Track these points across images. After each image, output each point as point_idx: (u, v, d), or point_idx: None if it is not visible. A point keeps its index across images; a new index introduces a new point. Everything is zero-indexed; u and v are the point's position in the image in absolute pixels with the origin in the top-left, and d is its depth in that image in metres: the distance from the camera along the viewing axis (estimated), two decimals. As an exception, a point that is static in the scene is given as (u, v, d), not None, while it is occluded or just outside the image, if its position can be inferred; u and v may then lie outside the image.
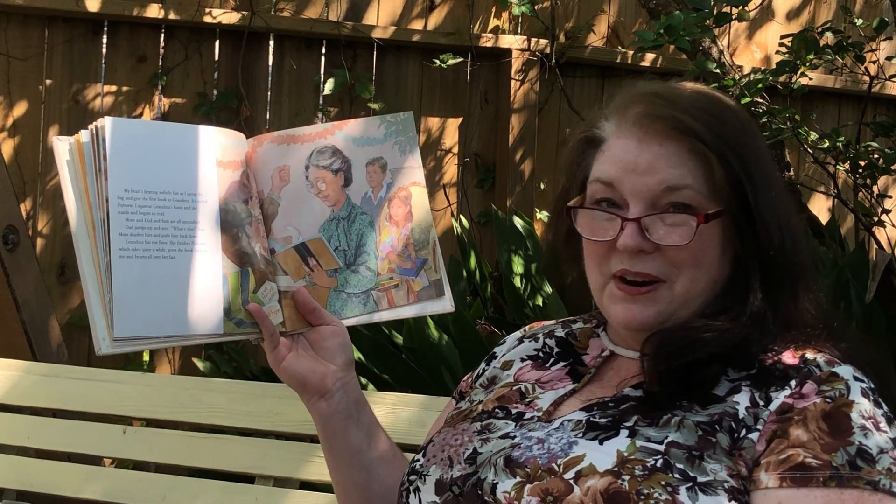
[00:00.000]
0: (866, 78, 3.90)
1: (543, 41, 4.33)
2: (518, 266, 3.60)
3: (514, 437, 1.25)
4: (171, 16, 3.93)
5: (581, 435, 1.21)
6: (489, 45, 4.30)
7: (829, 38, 3.53)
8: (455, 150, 4.35)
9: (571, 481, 1.14)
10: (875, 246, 3.90)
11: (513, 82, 4.31)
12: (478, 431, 1.29)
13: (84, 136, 1.33)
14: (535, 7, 4.23)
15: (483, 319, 3.20)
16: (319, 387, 1.37)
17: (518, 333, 1.50)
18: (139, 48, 4.00)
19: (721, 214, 1.23)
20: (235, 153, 1.40)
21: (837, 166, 3.73)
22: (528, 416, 1.30)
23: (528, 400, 1.34)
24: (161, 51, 4.04)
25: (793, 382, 1.18)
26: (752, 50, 4.67)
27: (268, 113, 4.17)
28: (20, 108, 3.88)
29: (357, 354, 2.89)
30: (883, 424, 1.15)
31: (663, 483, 1.11)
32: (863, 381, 1.18)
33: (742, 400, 1.18)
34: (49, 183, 3.93)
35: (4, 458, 2.32)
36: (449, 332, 3.06)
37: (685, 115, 1.24)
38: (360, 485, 1.40)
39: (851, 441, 1.12)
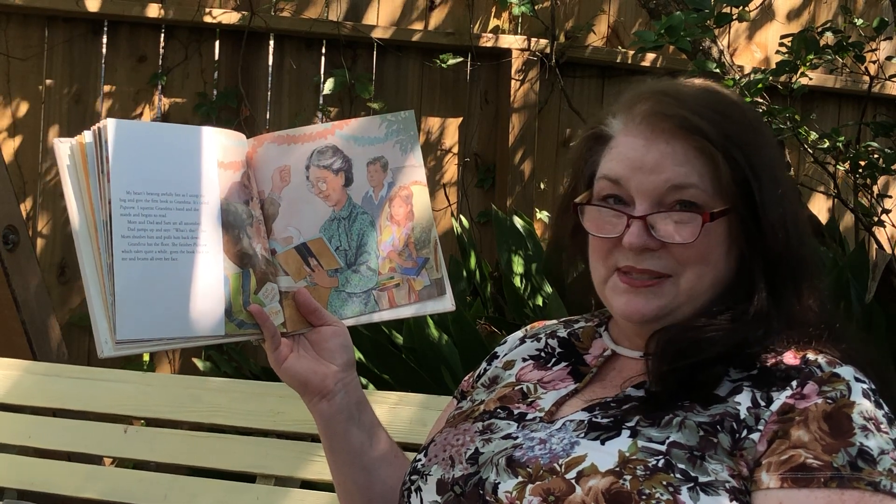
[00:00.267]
0: (866, 78, 3.90)
1: (543, 41, 4.33)
2: (518, 266, 3.60)
3: (517, 437, 1.25)
4: (171, 16, 3.94)
5: (583, 435, 1.21)
6: (489, 45, 4.30)
7: (829, 38, 3.53)
8: (455, 149, 4.35)
9: (573, 481, 1.14)
10: (875, 246, 3.90)
11: (513, 82, 4.31)
12: (479, 431, 1.29)
13: (86, 137, 1.32)
14: (535, 7, 4.23)
15: (483, 319, 3.21)
16: (321, 387, 1.37)
17: (519, 333, 1.50)
18: (139, 48, 4.00)
19: (727, 213, 1.23)
20: (236, 154, 1.40)
21: (837, 166, 3.73)
22: (530, 416, 1.30)
23: (529, 400, 1.34)
24: (161, 51, 4.04)
25: (794, 383, 1.18)
26: (753, 50, 4.68)
27: (268, 113, 4.17)
28: (20, 108, 3.88)
29: (357, 354, 2.89)
30: (884, 425, 1.15)
31: (665, 483, 1.11)
32: (864, 381, 1.18)
33: (743, 400, 1.18)
34: (49, 183, 3.93)
35: (5, 457, 2.32)
36: (449, 332, 3.06)
37: (692, 113, 1.24)
38: (362, 485, 1.40)
39: (852, 442, 1.12)
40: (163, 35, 4.03)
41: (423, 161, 1.50)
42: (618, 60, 4.44)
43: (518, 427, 1.28)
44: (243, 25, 4.00)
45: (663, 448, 1.15)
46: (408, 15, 4.27)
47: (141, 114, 4.00)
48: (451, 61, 4.19)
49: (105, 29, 3.97)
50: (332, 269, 1.43)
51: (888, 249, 3.82)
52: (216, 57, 4.10)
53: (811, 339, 1.23)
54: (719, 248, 1.24)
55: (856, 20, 3.83)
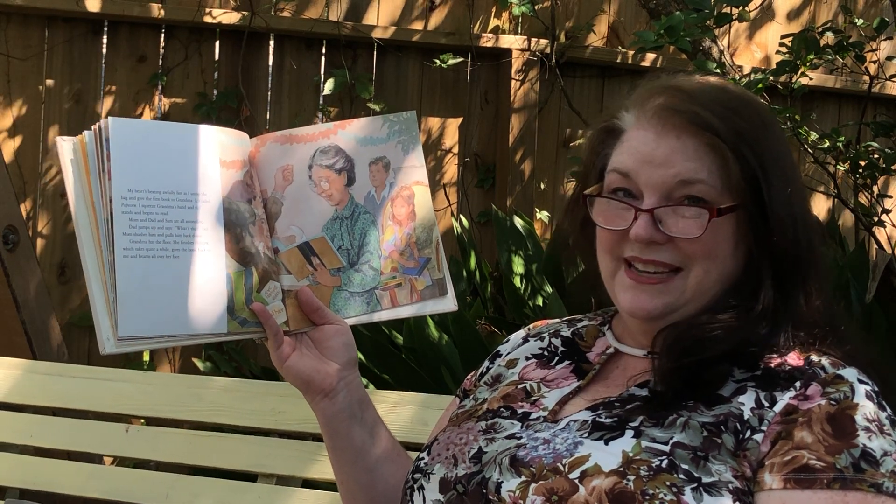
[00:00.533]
0: (866, 78, 3.91)
1: (543, 41, 4.33)
2: (518, 266, 3.60)
3: (520, 437, 1.25)
4: (171, 16, 3.93)
5: (586, 435, 1.21)
6: (489, 45, 4.30)
7: (829, 38, 3.53)
8: (455, 150, 4.35)
9: (576, 481, 1.14)
10: (875, 246, 3.90)
11: (513, 82, 4.31)
12: (483, 431, 1.29)
13: (87, 136, 1.32)
14: (535, 7, 4.23)
15: (483, 319, 3.21)
16: (323, 386, 1.37)
17: (522, 332, 1.50)
18: (139, 48, 4.00)
19: (734, 209, 1.23)
20: (238, 153, 1.41)
21: (837, 166, 3.73)
22: (533, 415, 1.30)
23: (533, 399, 1.34)
24: (161, 51, 4.04)
25: (798, 384, 1.18)
26: (753, 50, 4.68)
27: (268, 113, 4.17)
28: (20, 108, 3.88)
29: (357, 354, 2.89)
30: (887, 427, 1.15)
31: (668, 483, 1.12)
32: (867, 383, 1.19)
33: (747, 401, 1.18)
34: (49, 183, 3.93)
35: (6, 456, 2.32)
36: (449, 332, 3.06)
37: (704, 109, 1.24)
38: (364, 483, 1.40)
39: (855, 443, 1.12)
40: (163, 35, 4.03)
41: (424, 161, 1.50)
42: (618, 60, 4.44)
43: (522, 427, 1.28)
44: (243, 25, 4.00)
45: (667, 448, 1.15)
46: (408, 15, 4.27)
47: (141, 114, 4.00)
48: (451, 61, 4.19)
49: (105, 29, 3.97)
50: (335, 268, 1.43)
51: (888, 249, 3.82)
52: (216, 57, 4.10)
53: (815, 341, 1.23)
54: (726, 244, 1.24)
55: (856, 20, 3.84)
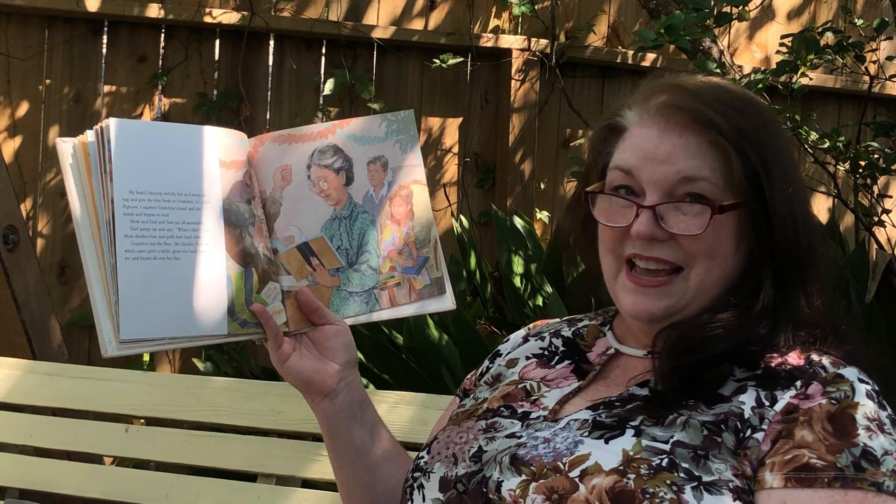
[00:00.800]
0: (866, 78, 3.90)
1: (543, 41, 4.33)
2: (518, 266, 3.60)
3: (521, 436, 1.25)
4: (171, 16, 3.94)
5: (587, 434, 1.21)
6: (489, 45, 4.30)
7: (829, 38, 3.53)
8: (455, 149, 4.35)
9: (577, 479, 1.14)
10: (875, 246, 3.90)
11: (513, 82, 4.31)
12: (483, 430, 1.29)
13: (89, 136, 1.32)
14: (535, 7, 4.23)
15: (483, 319, 3.21)
16: (323, 386, 1.37)
17: (522, 332, 1.50)
18: (139, 48, 4.00)
19: (736, 207, 1.23)
20: (238, 153, 1.41)
21: (837, 166, 3.73)
22: (534, 415, 1.30)
23: (533, 398, 1.34)
24: (161, 51, 4.04)
25: (798, 383, 1.18)
26: (753, 50, 4.68)
27: (268, 113, 4.17)
28: (20, 108, 3.88)
29: (357, 354, 2.89)
30: (887, 426, 1.15)
31: (668, 482, 1.11)
32: (868, 383, 1.19)
33: (748, 400, 1.18)
34: (49, 183, 3.93)
35: (6, 456, 2.32)
36: (449, 332, 3.06)
37: (707, 107, 1.24)
38: (365, 483, 1.40)
39: (856, 442, 1.12)
40: (163, 35, 4.03)
41: (423, 161, 1.50)
42: (618, 60, 4.44)
43: (522, 426, 1.28)
44: (243, 25, 4.01)
45: (667, 447, 1.15)
46: (408, 15, 4.27)
47: (141, 114, 4.00)
48: (452, 61, 4.19)
49: (105, 29, 3.97)
50: (334, 268, 1.43)
51: (888, 249, 3.82)
52: (216, 57, 4.10)
53: (816, 340, 1.23)
54: (728, 242, 1.24)
55: (856, 20, 3.84)
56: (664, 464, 1.13)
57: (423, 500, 1.26)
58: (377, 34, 4.17)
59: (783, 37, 3.51)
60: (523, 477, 1.18)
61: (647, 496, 1.10)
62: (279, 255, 1.41)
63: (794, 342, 1.23)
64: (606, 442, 1.18)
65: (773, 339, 1.23)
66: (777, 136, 1.29)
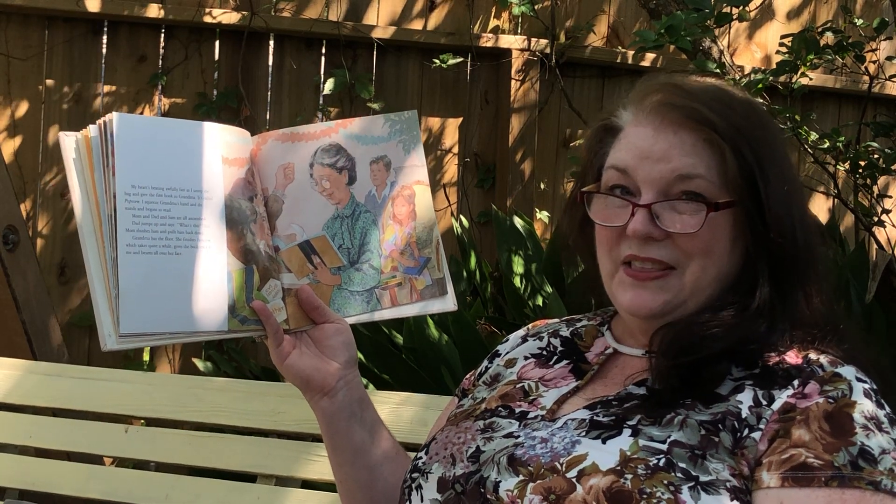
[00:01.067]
0: (866, 78, 3.90)
1: (543, 41, 4.33)
2: (518, 266, 3.60)
3: (518, 436, 1.25)
4: (171, 16, 3.94)
5: (584, 434, 1.21)
6: (489, 45, 4.30)
7: (829, 38, 3.53)
8: (455, 150, 4.35)
9: (574, 480, 1.14)
10: (875, 246, 3.90)
11: (513, 82, 4.31)
12: (481, 430, 1.29)
13: (92, 130, 1.32)
14: (535, 7, 4.23)
15: (483, 319, 3.20)
16: (323, 385, 1.37)
17: (521, 332, 1.50)
18: (139, 48, 4.00)
19: (732, 205, 1.23)
20: (241, 150, 1.41)
21: (837, 166, 3.73)
22: (531, 414, 1.30)
23: (531, 398, 1.34)
24: (161, 51, 4.04)
25: (795, 382, 1.18)
26: (753, 50, 4.68)
27: (268, 113, 4.17)
28: (20, 108, 3.88)
29: (357, 354, 2.89)
30: (885, 425, 1.15)
31: (666, 482, 1.11)
32: (865, 381, 1.19)
33: (745, 399, 1.18)
34: (49, 183, 3.92)
35: (6, 457, 2.32)
36: (449, 332, 3.06)
37: (702, 105, 1.24)
38: (364, 483, 1.40)
39: (853, 441, 1.12)
40: (163, 35, 4.03)
41: (425, 161, 1.50)
42: (618, 60, 4.44)
43: (520, 426, 1.28)
44: (243, 25, 4.00)
45: (664, 447, 1.15)
46: (408, 15, 4.27)
47: (141, 114, 4.00)
48: (452, 61, 4.19)
49: (105, 29, 3.97)
50: (335, 266, 1.43)
51: (888, 249, 3.82)
52: (216, 57, 4.10)
53: (814, 339, 1.23)
54: (723, 241, 1.25)
55: (856, 20, 3.84)
56: (661, 464, 1.13)
57: (422, 501, 1.26)
58: (377, 34, 4.17)
59: (783, 37, 3.51)
60: (521, 477, 1.18)
61: (645, 496, 1.10)
62: (280, 253, 1.41)
63: (793, 341, 1.23)
64: (604, 442, 1.18)
65: (770, 337, 1.22)
66: (772, 135, 1.29)
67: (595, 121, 1.37)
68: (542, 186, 4.40)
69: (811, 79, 3.95)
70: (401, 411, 2.05)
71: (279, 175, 1.42)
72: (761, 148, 1.25)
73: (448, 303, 1.49)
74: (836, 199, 4.18)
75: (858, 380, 1.18)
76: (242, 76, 4.08)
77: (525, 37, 4.33)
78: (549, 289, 3.36)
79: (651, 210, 1.24)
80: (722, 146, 1.23)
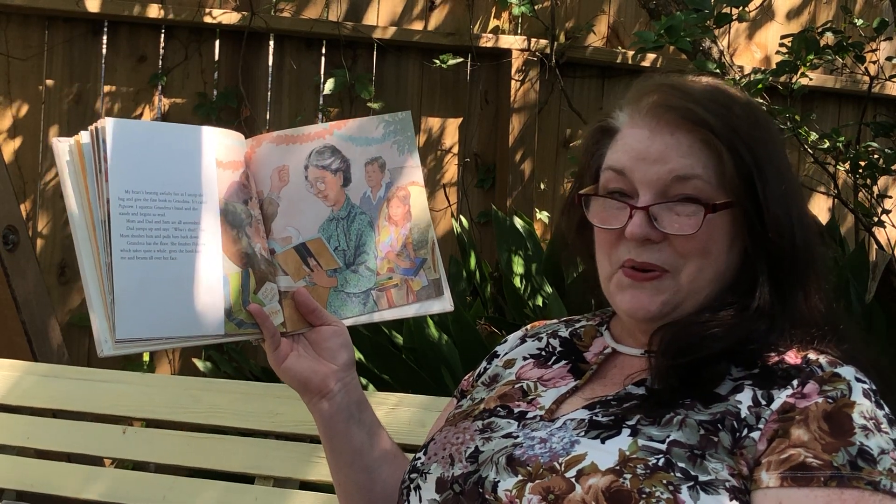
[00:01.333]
0: (866, 78, 3.90)
1: (543, 41, 4.33)
2: (518, 266, 3.60)
3: (517, 436, 1.25)
4: (171, 16, 3.94)
5: (583, 434, 1.21)
6: (489, 45, 4.30)
7: (829, 38, 3.53)
8: (455, 150, 4.35)
9: (573, 480, 1.14)
10: (875, 246, 3.90)
11: (513, 82, 4.31)
12: (479, 430, 1.29)
13: (84, 136, 1.32)
14: (535, 7, 4.23)
15: (483, 319, 3.20)
16: (321, 387, 1.37)
17: (520, 333, 1.50)
18: (139, 48, 4.00)
19: (730, 206, 1.23)
20: (235, 153, 1.40)
21: (837, 166, 3.73)
22: (530, 414, 1.30)
23: (530, 398, 1.34)
24: (161, 51, 4.04)
25: (795, 382, 1.18)
26: (752, 50, 4.67)
27: (268, 113, 4.17)
28: (20, 109, 3.88)
29: (357, 355, 2.89)
30: (884, 425, 1.15)
31: (665, 482, 1.11)
32: (864, 381, 1.19)
33: (744, 399, 1.18)
34: (49, 183, 3.93)
35: (4, 458, 2.32)
36: (449, 332, 3.06)
37: (698, 106, 1.24)
38: (362, 485, 1.40)
39: (852, 441, 1.12)
40: (163, 35, 4.03)
41: (424, 161, 1.51)
42: (618, 61, 4.44)
43: (518, 426, 1.28)
44: (243, 25, 4.01)
45: (664, 447, 1.15)
46: (408, 15, 4.27)
47: (141, 114, 4.00)
48: (451, 61, 4.19)
49: (105, 29, 3.97)
50: (331, 269, 1.43)
51: (888, 249, 3.82)
52: (216, 57, 4.10)
53: (814, 339, 1.23)
54: (721, 241, 1.24)
55: (856, 20, 3.83)
56: (660, 463, 1.13)
57: (420, 502, 1.26)
58: (377, 34, 4.17)
59: (783, 37, 3.51)
60: (520, 477, 1.18)
61: (644, 496, 1.10)
62: (276, 256, 1.40)
63: (792, 341, 1.23)
64: (603, 442, 1.18)
65: (770, 337, 1.22)
66: (770, 135, 1.29)
67: (591, 122, 1.37)
68: (542, 187, 4.40)
69: (811, 79, 3.95)
70: (399, 412, 2.05)
71: (274, 178, 1.42)
72: (759, 148, 1.24)
73: (445, 303, 1.48)
74: (836, 200, 4.18)
75: (858, 380, 1.18)
76: (242, 76, 4.08)
77: (525, 37, 4.33)
78: (548, 289, 3.36)
79: (649, 212, 1.24)
80: (719, 147, 1.22)
